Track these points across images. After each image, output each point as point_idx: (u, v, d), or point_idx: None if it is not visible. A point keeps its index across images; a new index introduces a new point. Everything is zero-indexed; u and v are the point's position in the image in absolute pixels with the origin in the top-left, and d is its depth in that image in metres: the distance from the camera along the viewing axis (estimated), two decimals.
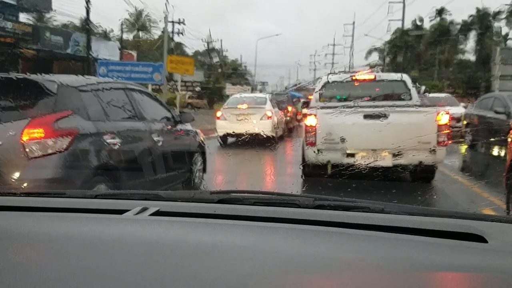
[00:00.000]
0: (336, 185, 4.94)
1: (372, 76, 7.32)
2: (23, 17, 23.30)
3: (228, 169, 7.52)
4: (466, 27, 37.17)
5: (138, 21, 39.21)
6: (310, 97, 8.93)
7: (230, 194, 1.50)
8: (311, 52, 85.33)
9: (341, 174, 5.17)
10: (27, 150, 3.38)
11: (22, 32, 19.46)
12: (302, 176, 6.07)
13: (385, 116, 5.56)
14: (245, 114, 11.75)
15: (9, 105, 3.72)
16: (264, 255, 0.94)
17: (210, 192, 1.58)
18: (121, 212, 1.25)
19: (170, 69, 20.94)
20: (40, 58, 21.00)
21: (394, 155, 5.64)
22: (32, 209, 1.32)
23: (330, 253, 0.97)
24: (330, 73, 7.88)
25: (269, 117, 11.70)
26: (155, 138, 4.79)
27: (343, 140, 5.60)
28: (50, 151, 3.46)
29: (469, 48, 38.28)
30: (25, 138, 3.39)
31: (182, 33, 33.50)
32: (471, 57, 38.30)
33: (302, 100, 16.43)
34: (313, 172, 5.91)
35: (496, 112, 9.89)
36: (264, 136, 10.55)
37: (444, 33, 37.39)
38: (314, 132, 5.74)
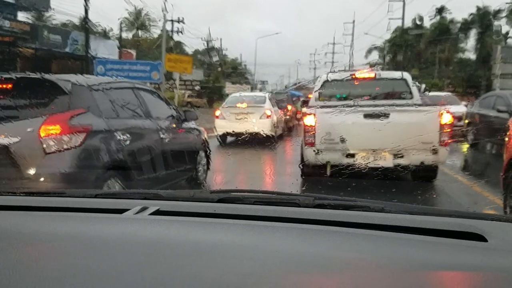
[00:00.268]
0: (336, 184, 4.94)
1: (372, 75, 7.21)
2: (22, 16, 23.28)
3: (228, 168, 7.52)
4: (466, 26, 37.16)
5: (137, 20, 39.17)
6: (310, 96, 8.85)
7: (230, 194, 1.50)
8: (311, 51, 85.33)
9: (341, 174, 5.16)
10: (44, 145, 3.57)
11: (20, 31, 19.39)
12: (302, 176, 6.01)
13: (386, 115, 5.47)
14: (244, 113, 11.70)
15: (27, 103, 3.89)
16: (264, 254, 0.94)
17: (210, 191, 1.58)
18: (121, 211, 1.25)
19: (169, 67, 20.90)
20: (38, 56, 20.93)
21: (395, 155, 5.54)
22: (32, 209, 1.32)
23: (330, 252, 0.97)
24: (330, 72, 7.80)
25: (268, 116, 11.66)
26: (162, 136, 4.98)
27: (343, 140, 5.51)
28: (65, 147, 3.66)
29: (469, 47, 38.30)
30: (42, 134, 3.58)
31: (181, 32, 33.50)
32: (472, 55, 38.34)
33: (301, 99, 16.44)
34: (312, 172, 5.83)
35: (499, 111, 9.73)
36: (264, 135, 10.54)
37: (444, 32, 37.39)
38: (313, 132, 5.65)
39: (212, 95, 34.15)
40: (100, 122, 4.03)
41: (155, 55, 29.11)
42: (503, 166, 4.41)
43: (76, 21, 30.17)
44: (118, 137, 4.16)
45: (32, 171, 3.58)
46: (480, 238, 1.04)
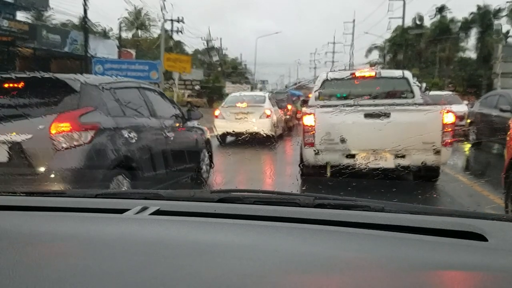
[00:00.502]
0: (336, 184, 4.95)
1: (372, 73, 7.11)
2: (22, 16, 23.27)
3: (227, 168, 7.52)
4: (467, 25, 37.16)
5: (137, 20, 39.17)
6: (310, 95, 8.81)
7: (230, 193, 1.50)
8: (311, 51, 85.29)
9: (341, 173, 5.16)
10: (55, 142, 3.70)
11: (19, 31, 19.33)
12: (301, 176, 5.95)
13: (386, 115, 5.36)
14: (244, 113, 11.66)
15: (38, 102, 4.00)
16: (264, 254, 0.94)
17: (210, 191, 1.58)
18: (121, 211, 1.25)
19: (167, 67, 20.89)
20: (37, 56, 20.91)
21: (396, 156, 5.44)
22: (32, 209, 1.32)
23: (330, 252, 0.97)
24: (330, 71, 7.75)
25: (268, 116, 11.63)
26: (168, 134, 5.14)
27: (343, 140, 5.40)
28: (75, 144, 3.79)
29: (470, 46, 38.27)
30: (53, 131, 3.71)
31: (181, 32, 33.44)
32: (472, 55, 38.33)
33: (301, 99, 16.44)
34: (312, 173, 5.76)
35: (502, 110, 9.57)
36: (263, 135, 10.52)
37: (444, 31, 37.39)
38: (312, 132, 5.54)
39: (212, 94, 34.14)
40: (108, 120, 4.15)
41: (155, 54, 29.12)
42: (504, 165, 4.39)
43: (76, 21, 30.20)
44: (125, 135, 4.29)
45: (43, 167, 3.69)
46: (481, 237, 1.04)
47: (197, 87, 34.08)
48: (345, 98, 6.90)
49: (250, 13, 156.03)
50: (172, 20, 32.28)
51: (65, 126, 3.75)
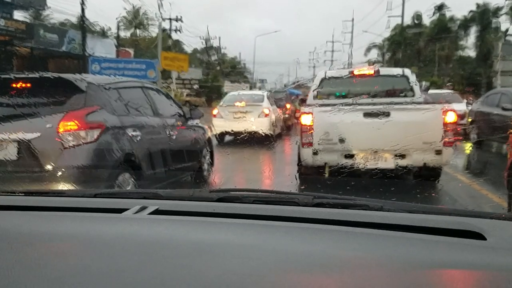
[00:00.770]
0: (335, 183, 4.94)
1: (372, 72, 6.95)
2: (20, 15, 23.16)
3: (226, 167, 7.52)
4: (466, 23, 37.18)
5: (135, 19, 39.11)
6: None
7: (229, 193, 1.50)
8: (311, 49, 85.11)
9: (340, 172, 5.13)
10: (62, 140, 3.82)
11: (16, 30, 19.21)
12: (300, 176, 5.86)
13: (386, 114, 5.24)
14: (242, 112, 11.62)
15: (45, 101, 4.10)
16: (263, 253, 0.94)
17: (209, 191, 1.58)
18: (120, 211, 1.25)
19: (165, 65, 20.81)
20: (35, 55, 20.81)
21: (397, 156, 5.29)
22: (32, 209, 1.32)
23: (329, 251, 0.97)
24: (329, 70, 7.66)
25: (266, 115, 11.60)
26: (170, 133, 5.28)
27: (341, 140, 5.27)
28: (82, 142, 3.90)
29: (469, 44, 38.28)
30: (61, 130, 3.83)
31: (180, 31, 33.41)
32: (471, 53, 38.35)
33: (300, 97, 16.42)
34: (310, 173, 5.65)
35: (504, 109, 9.39)
36: (262, 134, 10.49)
37: (444, 29, 37.41)
38: (310, 132, 5.40)
39: (210, 94, 34.12)
40: (113, 119, 4.27)
41: (153, 53, 29.06)
42: (507, 164, 4.36)
43: (74, 20, 30.14)
44: (130, 133, 4.41)
45: (51, 165, 3.80)
46: (479, 236, 1.05)
47: (195, 86, 34.06)
48: (344, 97, 6.78)
49: (249, 12, 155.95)
50: (170, 19, 32.27)
51: (72, 124, 3.87)
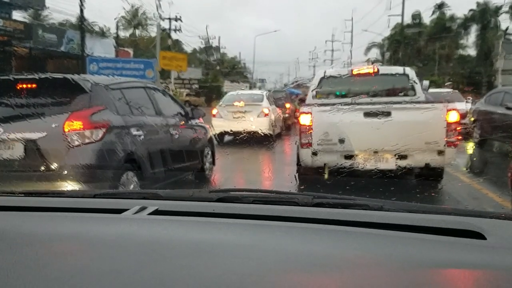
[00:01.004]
0: (335, 183, 4.92)
1: (372, 70, 6.82)
2: (19, 15, 23.13)
3: (226, 167, 7.52)
4: (466, 22, 37.19)
5: (134, 19, 39.09)
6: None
7: (229, 193, 1.50)
8: (310, 49, 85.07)
9: (340, 172, 5.11)
10: (68, 140, 3.91)
11: (14, 30, 19.16)
12: (299, 176, 5.81)
13: (387, 113, 5.10)
14: (241, 112, 11.59)
15: (51, 101, 4.20)
16: (263, 253, 0.94)
17: (209, 191, 1.58)
18: (119, 211, 1.25)
19: (163, 65, 20.77)
20: (33, 56, 20.75)
21: (398, 157, 5.16)
22: (31, 209, 1.32)
23: (329, 251, 0.97)
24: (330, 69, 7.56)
25: (266, 115, 11.58)
26: (173, 132, 5.39)
27: (341, 140, 5.14)
28: (87, 141, 3.99)
29: (469, 43, 38.28)
30: (66, 129, 3.92)
31: (179, 30, 33.39)
32: (472, 52, 38.35)
33: (299, 97, 16.43)
34: (309, 173, 5.56)
35: (507, 108, 9.21)
36: (262, 134, 10.48)
37: (444, 28, 37.42)
38: (309, 132, 5.29)
39: (210, 93, 34.11)
40: (117, 118, 4.36)
41: (153, 53, 29.06)
42: (511, 164, 4.32)
43: (74, 20, 30.12)
44: (134, 133, 4.51)
45: (57, 163, 3.90)
46: (479, 236, 1.05)
47: (195, 86, 34.05)
48: (344, 96, 6.66)
49: (249, 12, 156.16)
50: (170, 19, 32.24)
51: (77, 124, 3.96)
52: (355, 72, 6.84)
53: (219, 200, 1.39)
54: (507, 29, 33.86)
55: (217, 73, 41.88)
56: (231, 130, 10.99)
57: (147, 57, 27.05)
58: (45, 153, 3.89)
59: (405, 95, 6.54)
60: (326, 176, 5.34)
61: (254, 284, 0.79)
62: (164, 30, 31.48)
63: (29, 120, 3.94)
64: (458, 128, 5.30)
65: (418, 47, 39.56)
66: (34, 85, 4.30)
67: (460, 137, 5.56)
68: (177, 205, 1.37)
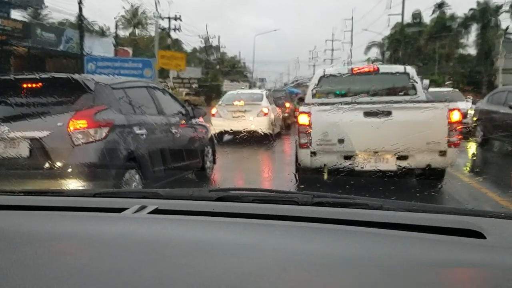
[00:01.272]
0: (335, 182, 4.91)
1: (372, 69, 6.74)
2: (18, 14, 23.07)
3: (226, 167, 7.52)
4: (466, 21, 37.18)
5: (134, 18, 39.06)
6: None
7: (229, 192, 1.50)
8: (310, 48, 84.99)
9: (340, 171, 5.08)
10: (72, 138, 3.98)
11: (12, 29, 19.08)
12: (298, 175, 5.70)
13: (388, 113, 5.00)
14: (241, 111, 11.58)
15: (56, 101, 4.26)
16: (263, 252, 0.94)
17: (209, 190, 1.58)
18: (119, 210, 1.25)
19: (162, 64, 20.71)
20: (32, 55, 20.67)
21: (399, 158, 5.06)
22: (31, 208, 1.32)
23: (328, 250, 0.97)
24: (329, 68, 7.48)
25: (265, 114, 11.58)
26: (175, 131, 5.46)
27: (341, 140, 5.04)
28: (91, 140, 4.06)
29: (470, 42, 38.25)
30: (71, 128, 3.99)
31: (179, 30, 33.34)
32: (472, 51, 38.31)
33: (298, 96, 16.41)
34: (308, 175, 5.46)
35: (511, 107, 9.13)
36: (261, 133, 10.48)
37: (444, 27, 37.40)
38: (308, 132, 5.17)
39: (210, 93, 34.08)
40: (120, 117, 4.43)
41: (152, 52, 29.03)
42: None
43: (73, 20, 30.05)
44: (136, 131, 4.58)
45: (61, 162, 3.97)
46: (479, 235, 1.05)
47: (194, 85, 34.02)
48: (344, 95, 6.56)
49: (249, 11, 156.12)
50: (169, 18, 32.19)
51: (82, 123, 4.03)
52: (355, 70, 6.74)
53: (219, 199, 1.39)
54: (507, 28, 33.85)
55: (216, 72, 41.84)
56: (231, 130, 10.98)
57: (147, 56, 27.00)
58: (50, 152, 3.95)
59: (406, 94, 6.44)
60: (325, 176, 5.26)
61: (253, 283, 0.79)
62: (163, 29, 31.46)
63: (34, 119, 4.01)
64: (460, 128, 5.21)
65: (418, 46, 39.53)
66: (39, 85, 4.37)
67: (462, 137, 5.43)
68: (177, 204, 1.37)
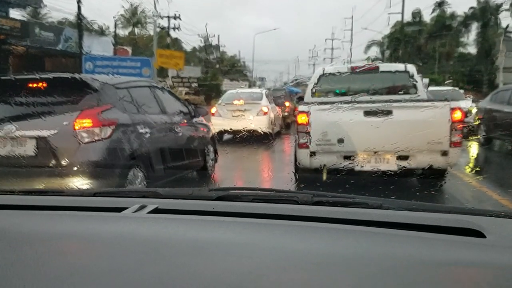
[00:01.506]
0: (334, 181, 4.90)
1: (372, 67, 6.67)
2: (17, 13, 22.99)
3: (225, 166, 7.52)
4: (466, 20, 37.17)
5: (133, 17, 39.04)
6: None
7: (229, 191, 1.50)
8: (310, 47, 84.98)
9: (339, 171, 5.07)
10: (78, 137, 4.05)
11: (10, 28, 19.02)
12: (297, 176, 5.65)
13: (388, 112, 4.93)
14: (240, 110, 11.59)
15: (62, 100, 4.34)
16: (262, 252, 0.94)
17: (209, 189, 1.58)
18: (119, 210, 1.25)
19: (161, 63, 20.71)
20: (30, 54, 20.64)
21: (399, 158, 4.98)
22: (31, 208, 1.32)
23: (328, 249, 0.97)
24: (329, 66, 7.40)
25: (265, 113, 11.57)
26: (177, 130, 5.55)
27: (340, 140, 4.97)
28: (96, 138, 4.13)
29: (470, 41, 38.24)
30: (76, 127, 4.06)
31: (178, 29, 33.30)
32: (472, 50, 38.30)
33: (298, 95, 16.39)
34: (306, 175, 5.41)
35: None
36: (261, 132, 10.47)
37: (444, 26, 37.38)
38: (307, 132, 5.10)
39: (210, 92, 34.04)
40: (124, 116, 4.51)
41: (151, 52, 29.01)
42: None
43: (72, 19, 29.99)
44: (140, 130, 4.66)
45: (67, 160, 4.04)
46: (479, 234, 1.05)
47: (194, 85, 33.98)
48: (343, 94, 6.47)
49: (249, 10, 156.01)
50: (168, 17, 32.15)
51: (87, 122, 4.10)
52: (355, 69, 6.66)
53: (219, 198, 1.39)
54: (507, 26, 33.79)
55: (216, 71, 41.80)
56: (231, 129, 10.97)
57: (146, 55, 26.97)
58: (55, 150, 4.02)
59: (406, 92, 6.36)
60: (325, 176, 5.20)
61: (253, 282, 0.79)
62: (163, 28, 31.42)
63: (40, 118, 4.06)
64: (462, 127, 5.13)
65: (418, 45, 39.53)
66: (45, 84, 4.42)
67: (463, 137, 5.34)
68: (176, 204, 1.37)
